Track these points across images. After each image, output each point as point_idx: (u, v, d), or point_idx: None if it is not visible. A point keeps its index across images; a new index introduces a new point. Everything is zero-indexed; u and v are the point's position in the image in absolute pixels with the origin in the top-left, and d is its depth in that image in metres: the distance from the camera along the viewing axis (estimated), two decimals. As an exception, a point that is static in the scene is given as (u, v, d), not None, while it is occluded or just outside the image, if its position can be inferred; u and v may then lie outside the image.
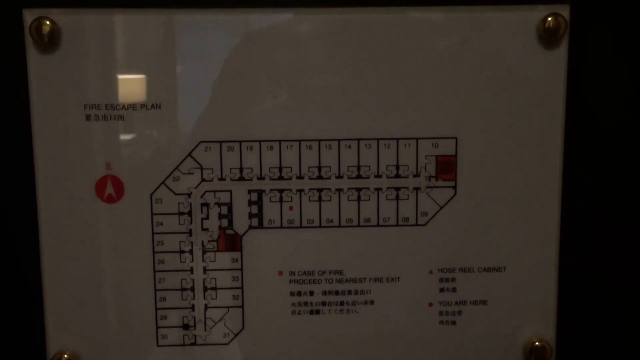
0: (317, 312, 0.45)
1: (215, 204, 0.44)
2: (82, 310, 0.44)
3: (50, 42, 0.41)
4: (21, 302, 0.45)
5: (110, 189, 0.43)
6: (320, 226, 0.44)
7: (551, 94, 0.43)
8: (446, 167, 0.43)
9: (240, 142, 0.43)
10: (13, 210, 0.43)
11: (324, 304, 0.45)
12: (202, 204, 0.44)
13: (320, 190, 0.44)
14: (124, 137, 0.43)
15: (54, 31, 0.41)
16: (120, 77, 0.43)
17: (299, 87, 0.43)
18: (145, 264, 0.44)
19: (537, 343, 0.45)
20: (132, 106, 0.43)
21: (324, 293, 0.45)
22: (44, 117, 0.42)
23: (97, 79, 0.42)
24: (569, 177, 0.44)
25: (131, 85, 0.43)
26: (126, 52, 0.42)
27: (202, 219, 0.44)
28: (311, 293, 0.45)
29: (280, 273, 0.44)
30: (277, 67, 0.43)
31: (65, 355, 0.44)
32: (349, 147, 0.43)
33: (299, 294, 0.45)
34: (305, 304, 0.45)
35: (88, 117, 0.43)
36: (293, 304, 0.45)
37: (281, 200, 0.44)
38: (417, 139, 0.43)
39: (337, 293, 0.45)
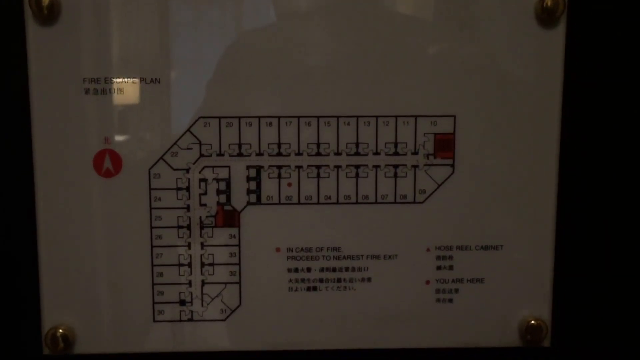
0: (314, 288, 0.45)
1: (214, 179, 0.44)
2: (78, 285, 0.44)
3: (49, 15, 0.41)
4: (16, 276, 0.44)
5: (108, 163, 0.43)
6: (318, 203, 0.44)
7: (549, 73, 0.43)
8: (444, 145, 0.44)
9: (239, 117, 0.43)
10: (10, 183, 0.43)
11: (321, 280, 0.45)
12: (201, 180, 0.44)
13: (318, 167, 0.44)
14: (123, 111, 0.43)
15: (54, 4, 0.41)
16: (120, 50, 0.42)
17: (298, 64, 0.43)
18: (142, 239, 0.44)
19: (532, 322, 0.45)
20: (132, 80, 0.42)
21: (321, 270, 0.45)
22: (42, 90, 0.42)
23: (96, 52, 0.42)
24: (566, 157, 0.44)
25: (130, 59, 0.42)
26: (125, 26, 0.42)
27: (201, 194, 0.44)
28: (308, 270, 0.45)
29: (278, 250, 0.44)
30: (277, 43, 0.43)
31: (60, 330, 0.44)
32: (348, 124, 0.43)
33: (296, 270, 0.45)
34: (303, 280, 0.45)
35: (87, 91, 0.42)
36: (290, 281, 0.45)
37: (279, 176, 0.44)
38: (415, 116, 0.43)
39: (334, 270, 0.45)
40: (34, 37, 0.42)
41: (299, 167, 0.44)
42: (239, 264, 0.44)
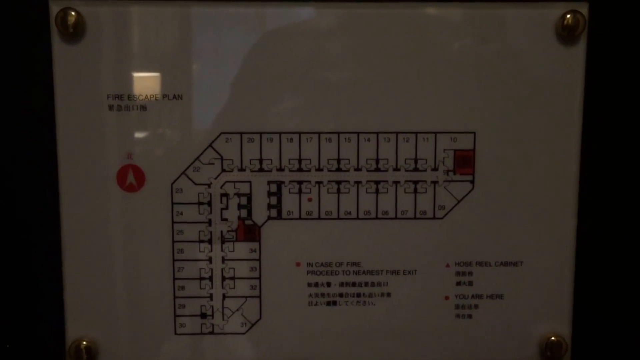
0: (334, 303, 0.45)
1: (235, 194, 0.44)
2: (101, 298, 0.45)
3: (75, 33, 0.42)
4: (41, 289, 0.45)
5: (131, 178, 0.44)
6: (338, 218, 0.44)
7: (569, 91, 0.44)
8: (464, 162, 0.44)
9: (260, 133, 0.43)
10: (35, 198, 0.44)
11: (340, 295, 0.45)
12: (222, 195, 0.44)
13: (339, 182, 0.44)
14: (146, 127, 0.43)
15: (79, 22, 0.42)
16: (143, 68, 0.43)
17: (319, 80, 0.43)
18: (164, 253, 0.45)
19: (552, 338, 0.45)
20: (154, 97, 0.43)
21: (341, 284, 0.45)
22: (67, 106, 0.43)
23: (119, 69, 0.43)
24: (586, 174, 0.44)
25: (153, 76, 0.43)
26: (148, 43, 0.43)
27: (222, 209, 0.44)
28: (328, 284, 0.45)
29: (298, 264, 0.45)
30: (298, 60, 0.43)
31: (84, 342, 0.45)
32: (368, 140, 0.44)
33: (316, 285, 0.45)
34: (322, 295, 0.45)
35: (111, 107, 0.43)
36: (310, 295, 0.45)
37: (300, 191, 0.44)
38: (435, 133, 0.43)
39: (354, 285, 0.45)
40: (60, 55, 0.43)
41: (319, 183, 0.44)
42: (260, 278, 0.45)
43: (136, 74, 0.43)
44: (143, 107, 0.43)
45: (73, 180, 0.44)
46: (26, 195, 0.44)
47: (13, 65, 0.43)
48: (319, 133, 0.44)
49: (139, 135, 0.44)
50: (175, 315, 0.45)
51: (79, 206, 0.44)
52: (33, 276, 0.45)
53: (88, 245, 0.44)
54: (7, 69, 0.43)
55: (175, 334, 0.45)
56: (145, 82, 0.43)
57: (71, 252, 0.44)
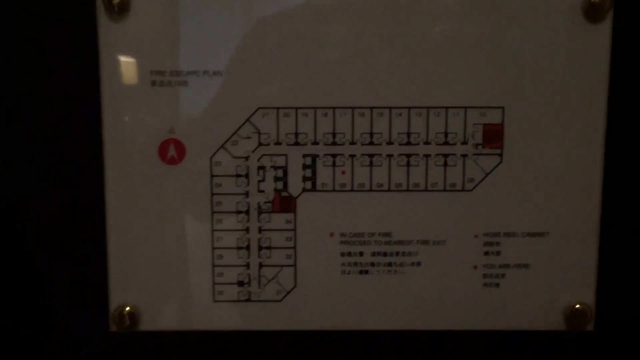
0: (366, 272, 0.47)
1: (271, 167, 0.46)
2: (144, 266, 0.47)
3: (120, 10, 0.44)
4: (86, 258, 0.47)
5: (172, 151, 0.46)
6: (370, 190, 0.46)
7: (596, 67, 0.45)
8: (493, 136, 0.45)
9: (296, 108, 0.45)
10: (81, 169, 0.46)
11: (372, 264, 0.47)
12: (259, 167, 0.46)
13: (371, 155, 0.46)
14: (187, 102, 0.45)
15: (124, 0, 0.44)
16: (184, 45, 0.45)
17: (353, 57, 0.45)
18: (204, 223, 0.46)
19: (577, 306, 0.47)
20: (195, 73, 0.45)
21: (373, 254, 0.47)
22: (112, 82, 0.45)
23: (162, 46, 0.45)
24: (612, 147, 0.45)
25: (194, 52, 0.45)
26: (191, 21, 0.44)
27: (259, 181, 0.46)
28: (360, 254, 0.47)
29: (332, 234, 0.47)
30: (333, 36, 0.44)
31: (127, 309, 0.47)
32: (400, 115, 0.45)
33: (349, 254, 0.47)
34: (355, 264, 0.47)
35: (153, 83, 0.45)
36: (343, 264, 0.47)
37: (334, 164, 0.46)
38: (465, 107, 0.45)
39: (385, 254, 0.47)
40: (105, 32, 0.44)
41: (352, 156, 0.46)
42: (295, 247, 0.47)
43: (178, 51, 0.45)
44: (184, 83, 0.45)
45: (117, 153, 0.46)
46: (72, 167, 0.46)
47: (60, 42, 0.45)
48: (353, 108, 0.45)
49: (180, 110, 0.45)
50: (214, 283, 0.47)
51: (123, 178, 0.46)
52: (79, 245, 0.47)
53: (131, 215, 0.46)
54: (54, 45, 0.45)
55: (214, 301, 0.47)
56: (187, 58, 0.45)
57: (115, 222, 0.46)
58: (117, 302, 0.47)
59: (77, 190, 0.46)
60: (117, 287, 0.47)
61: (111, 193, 0.46)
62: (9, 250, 0.47)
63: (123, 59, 0.45)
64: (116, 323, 0.47)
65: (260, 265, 0.47)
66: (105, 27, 0.44)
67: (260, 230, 0.46)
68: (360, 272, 0.47)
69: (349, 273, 0.47)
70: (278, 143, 0.46)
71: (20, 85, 0.45)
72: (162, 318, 0.48)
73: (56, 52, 0.45)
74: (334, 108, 0.45)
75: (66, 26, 0.45)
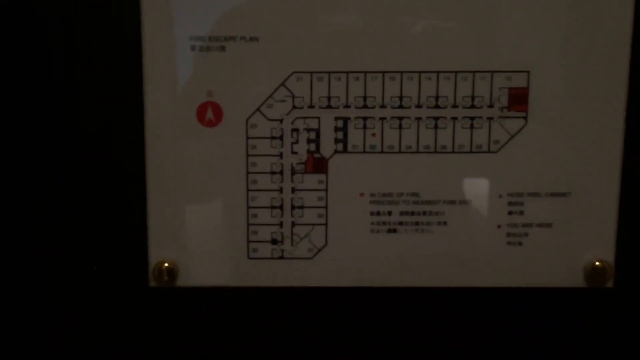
0: (394, 231, 0.49)
1: (305, 129, 0.48)
2: (182, 224, 0.49)
3: (161, -23, 0.46)
4: (126, 216, 0.49)
5: (210, 114, 0.47)
6: (399, 152, 0.48)
7: (619, 29, 0.46)
8: (518, 99, 0.47)
9: (329, 72, 0.47)
10: (122, 130, 0.48)
11: (400, 223, 0.49)
12: (293, 130, 0.48)
13: (400, 118, 0.48)
14: (224, 67, 0.47)
15: (164, -33, 0.45)
16: (223, 10, 0.47)
17: (384, 22, 0.46)
18: (239, 183, 0.48)
19: (597, 263, 0.49)
20: (233, 38, 0.47)
21: (401, 214, 0.49)
22: (154, 46, 0.47)
23: (202, 12, 0.47)
24: (633, 110, 0.47)
25: (232, 18, 0.47)
26: (228, -12, 0.46)
27: (292, 143, 0.48)
28: (389, 213, 0.49)
29: (362, 194, 0.49)
30: (365, 4, 0.46)
31: (166, 264, 0.49)
32: (429, 79, 0.47)
33: (378, 214, 0.49)
34: (384, 223, 0.49)
35: (193, 48, 0.47)
36: (372, 223, 0.49)
37: (365, 127, 0.48)
38: (492, 72, 0.47)
39: (412, 214, 0.49)
40: (147, -2, 0.46)
41: (382, 119, 0.48)
42: (326, 207, 0.49)
43: (217, 17, 0.46)
44: (222, 48, 0.47)
45: (157, 115, 0.48)
46: (114, 128, 0.48)
47: (101, 8, 0.47)
48: (384, 72, 0.47)
49: (218, 74, 0.47)
50: (249, 241, 0.49)
51: (163, 139, 0.48)
52: (119, 204, 0.49)
53: (170, 175, 0.48)
54: (96, 11, 0.46)
55: (248, 258, 0.49)
56: (225, 24, 0.47)
57: (155, 182, 0.48)
58: (156, 258, 0.49)
59: (118, 149, 0.48)
60: (157, 244, 0.49)
61: (151, 153, 0.48)
62: (49, 206, 0.49)
63: (164, 24, 0.46)
64: (155, 278, 0.49)
65: (293, 224, 0.49)
66: (148, -7, 0.46)
67: (293, 190, 0.48)
68: (389, 231, 0.49)
69: (377, 232, 0.49)
70: (311, 106, 0.47)
71: (60, 51, 0.47)
72: (199, 274, 0.49)
73: (97, 18, 0.47)
74: (365, 72, 0.47)
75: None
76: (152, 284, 0.49)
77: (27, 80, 0.47)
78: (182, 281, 0.49)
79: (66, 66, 0.47)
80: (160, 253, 0.49)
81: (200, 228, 0.49)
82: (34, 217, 0.49)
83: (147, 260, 0.49)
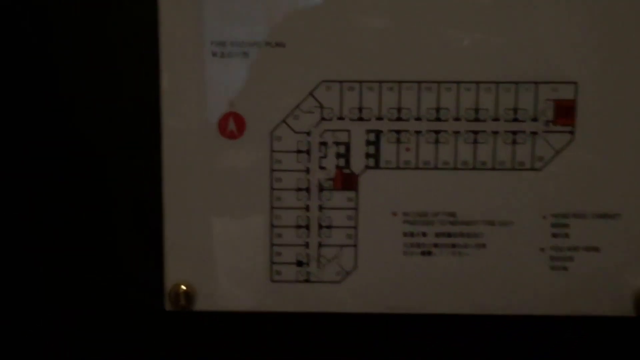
0: (429, 253, 0.45)
1: (334, 143, 0.44)
2: (200, 243, 0.45)
3: (182, -22, 0.42)
4: (141, 233, 0.46)
5: (232, 125, 0.44)
6: (436, 168, 0.45)
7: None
8: (565, 112, 0.44)
9: (360, 82, 0.44)
10: (138, 140, 0.45)
11: (435, 245, 0.45)
12: (321, 143, 0.44)
13: (437, 132, 0.44)
14: (248, 74, 0.44)
15: (184, -32, 0.42)
16: (245, 14, 0.43)
17: (419, 30, 0.43)
18: (262, 200, 0.45)
19: (648, 291, 0.45)
20: (257, 44, 0.43)
21: (437, 235, 0.45)
22: (172, 51, 0.44)
23: (223, 15, 0.43)
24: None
25: (256, 22, 0.43)
26: (253, -10, 0.43)
27: (320, 157, 0.45)
28: (424, 234, 0.45)
29: (394, 214, 0.45)
30: (400, 9, 0.43)
31: (182, 287, 0.45)
32: (469, 90, 0.44)
33: (412, 234, 0.45)
34: (418, 245, 0.45)
35: (214, 54, 0.44)
36: (405, 245, 0.45)
37: (398, 141, 0.44)
38: (536, 83, 0.43)
39: (449, 235, 0.45)
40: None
41: (418, 132, 0.44)
42: (356, 227, 0.45)
43: (240, 20, 0.43)
44: (245, 54, 0.43)
45: (175, 126, 0.44)
46: (129, 138, 0.45)
47: (119, 9, 0.43)
48: (419, 82, 0.44)
49: (240, 82, 0.44)
50: (272, 263, 0.46)
51: (181, 151, 0.44)
52: (134, 221, 0.46)
53: (188, 190, 0.45)
54: (113, 12, 0.43)
55: (272, 281, 0.46)
56: (248, 28, 0.43)
57: (171, 196, 0.45)
58: (172, 280, 0.46)
59: (133, 164, 0.45)
60: (173, 265, 0.46)
61: (168, 167, 0.45)
62: (66, 226, 0.46)
63: (183, 28, 0.43)
64: (171, 302, 0.46)
65: (320, 245, 0.45)
66: (166, -6, 0.43)
67: (320, 208, 0.45)
68: (423, 253, 0.46)
69: (411, 254, 0.46)
70: (341, 118, 0.44)
71: (76, 54, 0.44)
72: (218, 297, 0.46)
73: (113, 21, 0.44)
74: (399, 82, 0.44)
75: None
76: (168, 307, 0.46)
77: (36, 86, 0.45)
78: (200, 305, 0.46)
79: (77, 73, 0.44)
80: (177, 274, 0.46)
81: (220, 248, 0.46)
82: (45, 234, 0.46)
83: (163, 282, 0.46)
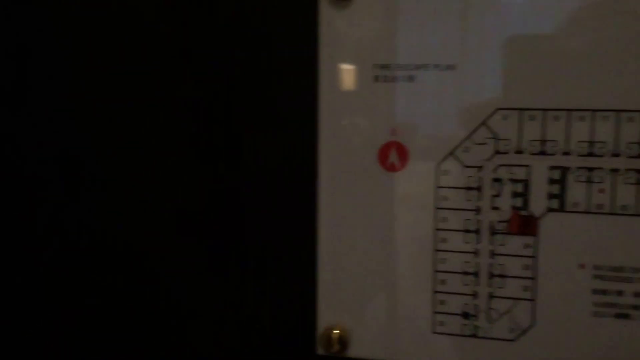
0: (626, 316, 0.38)
1: (510, 180, 0.38)
2: (356, 286, 0.42)
3: (343, -3, 0.39)
4: (293, 272, 0.43)
5: (393, 156, 0.40)
6: (636, 215, 0.37)
7: None
8: None
9: (544, 110, 0.37)
10: (291, 173, 0.42)
11: (634, 307, 0.37)
12: (494, 179, 0.39)
13: (639, 171, 0.36)
14: (413, 100, 0.39)
15: None
16: (412, 34, 0.39)
17: (617, 47, 0.36)
18: (425, 241, 0.40)
19: None
20: (424, 66, 0.39)
21: (636, 295, 0.37)
22: (331, 75, 0.41)
23: (387, 36, 0.39)
24: None
25: (423, 43, 0.39)
26: (419, 8, 0.38)
27: (493, 196, 0.39)
28: (619, 293, 0.38)
29: (582, 266, 0.38)
30: (592, 22, 0.36)
31: (336, 331, 0.42)
32: (684, 120, 0.35)
33: (604, 292, 0.38)
34: (611, 305, 0.38)
35: (377, 78, 0.39)
36: (595, 304, 0.38)
37: (590, 180, 0.37)
38: None
39: (652, 296, 0.37)
40: (326, 20, 0.40)
41: (614, 171, 0.37)
42: (535, 278, 0.39)
43: (406, 42, 0.39)
44: (411, 78, 0.39)
45: (332, 158, 0.41)
46: (283, 171, 0.42)
47: (278, 32, 0.41)
48: (617, 111, 0.36)
49: (405, 109, 0.39)
50: (434, 312, 0.40)
51: (337, 185, 0.41)
52: (286, 259, 0.43)
53: (344, 228, 0.41)
54: (273, 31, 0.41)
55: (433, 332, 0.41)
56: (415, 50, 0.39)
57: (326, 234, 0.42)
58: (325, 323, 0.42)
59: (287, 199, 0.42)
60: (327, 307, 0.42)
61: (324, 204, 0.41)
62: (217, 265, 0.44)
63: (344, 49, 0.39)
64: (323, 346, 0.42)
65: (491, 296, 0.40)
66: (327, 13, 0.40)
67: (492, 254, 0.39)
68: (617, 316, 0.38)
69: (602, 315, 0.38)
70: (519, 152, 0.38)
71: (232, 77, 0.42)
72: (373, 345, 0.42)
73: (273, 42, 0.41)
74: (592, 110, 0.36)
75: (285, 14, 0.40)
76: (320, 351, 0.43)
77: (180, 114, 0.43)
78: (354, 352, 0.43)
79: (231, 95, 0.42)
80: (331, 318, 0.43)
81: (378, 291, 0.42)
82: (198, 275, 0.45)
83: (315, 325, 0.43)
